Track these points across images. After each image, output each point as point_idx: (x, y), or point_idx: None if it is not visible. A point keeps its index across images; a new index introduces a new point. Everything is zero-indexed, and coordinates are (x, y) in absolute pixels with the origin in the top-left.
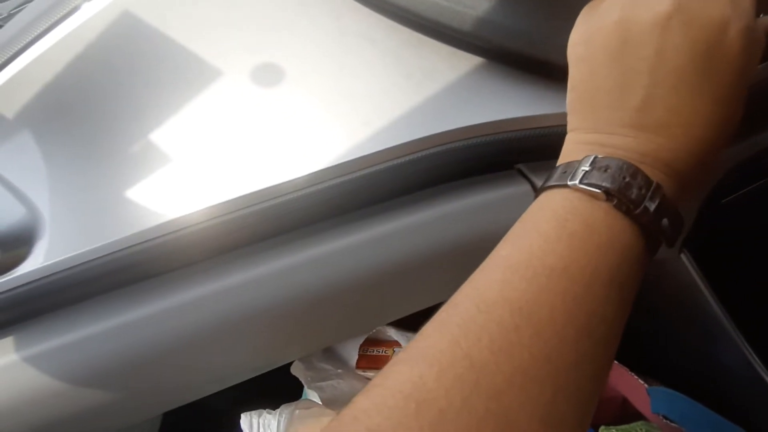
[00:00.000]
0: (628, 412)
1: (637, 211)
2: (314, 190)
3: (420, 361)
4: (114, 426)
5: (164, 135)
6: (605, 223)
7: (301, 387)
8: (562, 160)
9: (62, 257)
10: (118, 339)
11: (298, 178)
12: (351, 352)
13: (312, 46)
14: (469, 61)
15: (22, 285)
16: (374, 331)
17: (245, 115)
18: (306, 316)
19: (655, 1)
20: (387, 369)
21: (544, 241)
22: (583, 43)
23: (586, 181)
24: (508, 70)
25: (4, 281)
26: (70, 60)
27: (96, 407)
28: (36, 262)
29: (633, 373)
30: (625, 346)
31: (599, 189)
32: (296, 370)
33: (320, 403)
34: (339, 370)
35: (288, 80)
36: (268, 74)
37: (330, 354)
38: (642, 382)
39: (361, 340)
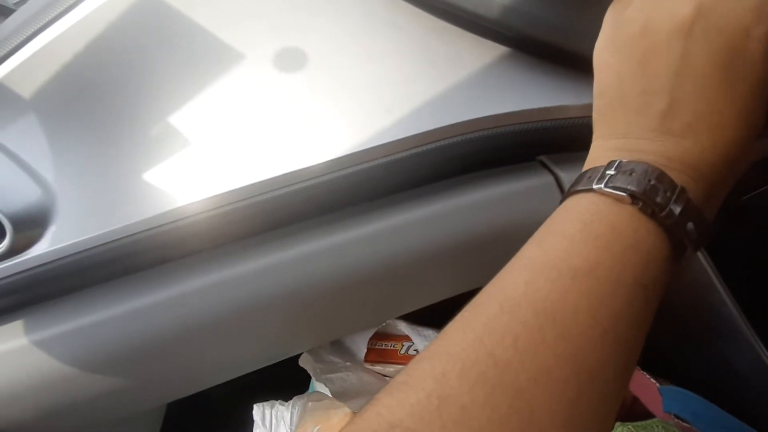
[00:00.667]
0: (638, 411)
1: (662, 214)
2: (332, 178)
3: (443, 359)
4: (120, 413)
5: (181, 120)
6: (630, 226)
7: (308, 380)
8: (587, 166)
9: (74, 240)
10: (128, 325)
11: (317, 164)
12: (360, 346)
13: (336, 31)
14: (493, 49)
15: (34, 267)
16: (384, 324)
17: (266, 101)
18: (320, 306)
19: (678, 7)
20: (410, 367)
21: (569, 243)
22: (610, 50)
23: (611, 185)
24: (533, 60)
25: (16, 263)
26: (88, 42)
27: (104, 393)
28: (48, 245)
29: (644, 372)
30: None
31: (624, 192)
32: (305, 362)
33: (330, 395)
34: (348, 363)
35: (311, 66)
36: (290, 59)
37: (339, 347)
38: (653, 381)
39: (370, 334)
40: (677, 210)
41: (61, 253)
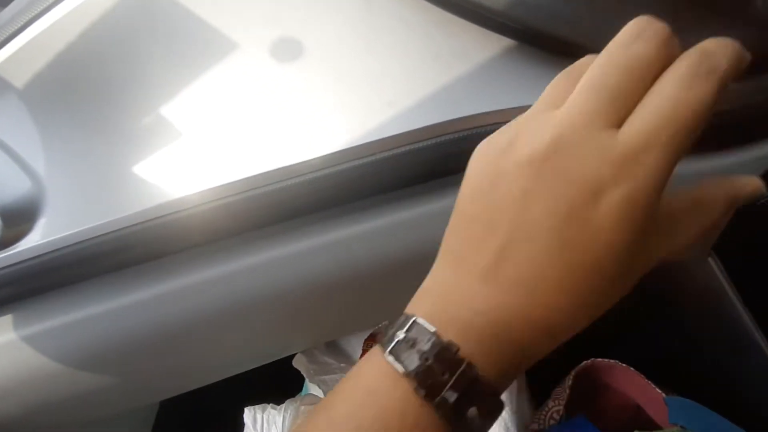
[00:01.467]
0: (641, 421)
1: (436, 400)
2: (330, 172)
3: None
4: (111, 410)
5: (175, 111)
6: (398, 409)
7: (301, 380)
8: (415, 297)
9: (66, 233)
10: (120, 321)
11: (315, 158)
12: (355, 347)
13: (338, 22)
14: (499, 42)
15: (24, 261)
16: (379, 326)
17: (263, 92)
18: (315, 305)
19: (538, 138)
20: None
21: (353, 407)
22: (474, 159)
23: (393, 354)
24: (539, 53)
25: (5, 256)
26: (80, 32)
27: (95, 390)
28: (39, 238)
29: (649, 381)
30: (643, 352)
31: (400, 367)
32: (298, 363)
33: (323, 397)
34: (342, 365)
35: (310, 57)
36: (288, 50)
37: (333, 348)
38: (659, 390)
39: (365, 335)
40: (452, 398)
41: (52, 246)
